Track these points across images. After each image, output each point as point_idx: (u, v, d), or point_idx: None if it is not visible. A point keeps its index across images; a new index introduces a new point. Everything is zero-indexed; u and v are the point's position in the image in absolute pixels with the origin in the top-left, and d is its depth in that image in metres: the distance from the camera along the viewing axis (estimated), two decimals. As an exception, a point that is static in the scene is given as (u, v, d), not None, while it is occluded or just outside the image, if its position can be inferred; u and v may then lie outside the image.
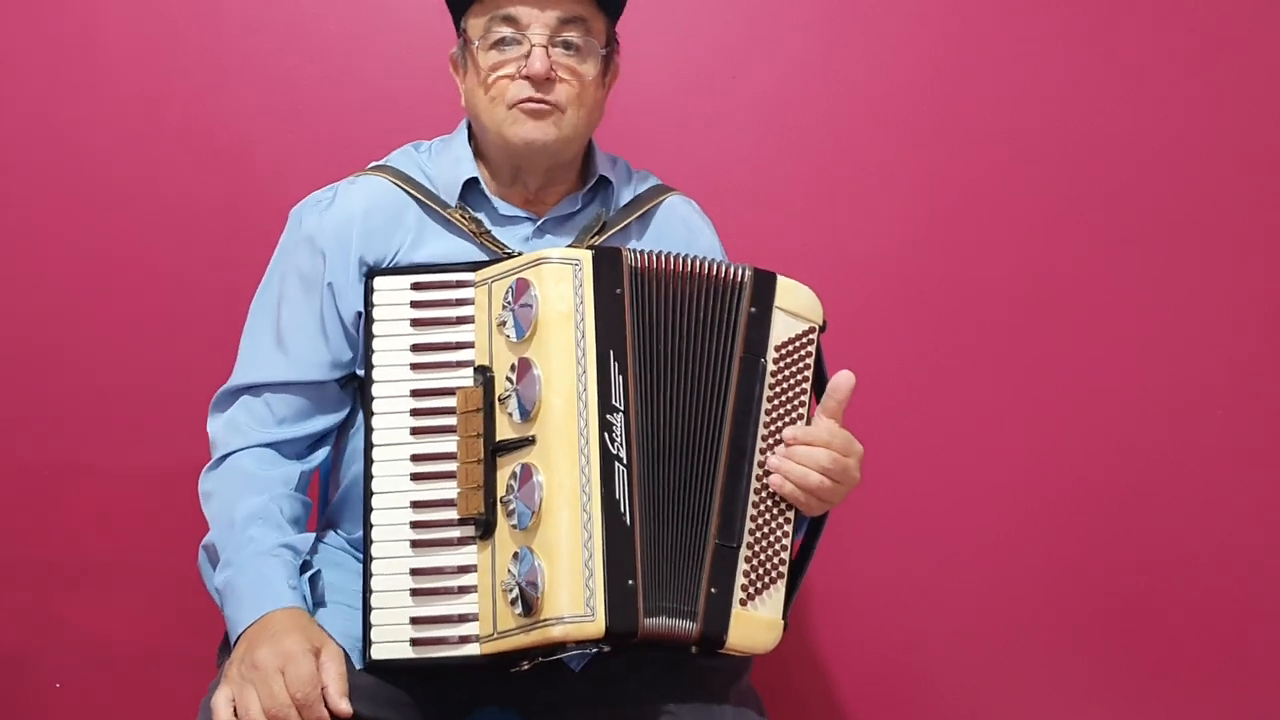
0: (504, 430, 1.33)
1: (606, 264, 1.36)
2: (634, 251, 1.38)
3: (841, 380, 1.39)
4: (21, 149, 1.94)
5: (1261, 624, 2.06)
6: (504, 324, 1.35)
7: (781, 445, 1.37)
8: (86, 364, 1.96)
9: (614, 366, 1.33)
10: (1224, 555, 2.05)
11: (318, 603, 1.39)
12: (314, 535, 1.48)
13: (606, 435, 1.30)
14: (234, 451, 1.46)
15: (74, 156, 1.95)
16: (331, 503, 1.55)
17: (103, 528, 1.96)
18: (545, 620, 1.25)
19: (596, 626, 1.25)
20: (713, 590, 1.31)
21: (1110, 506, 2.05)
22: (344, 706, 1.23)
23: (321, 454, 1.51)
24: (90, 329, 1.95)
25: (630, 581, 1.27)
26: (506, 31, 1.45)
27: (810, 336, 1.42)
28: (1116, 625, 2.05)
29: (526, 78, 1.44)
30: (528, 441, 1.31)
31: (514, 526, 1.29)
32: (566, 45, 1.46)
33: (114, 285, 1.95)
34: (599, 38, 1.49)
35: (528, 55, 1.43)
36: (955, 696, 2.06)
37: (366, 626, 1.31)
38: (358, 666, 1.32)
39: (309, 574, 1.39)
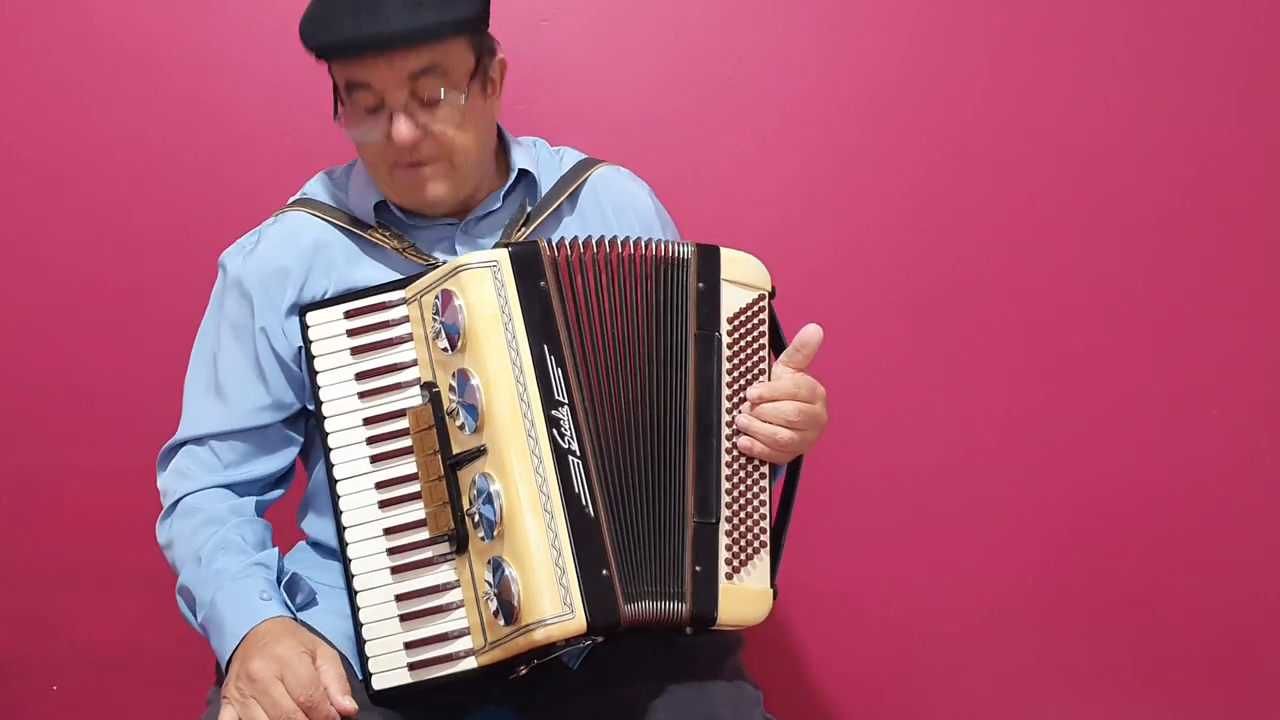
0: (458, 443, 1.32)
1: (525, 259, 1.33)
2: (551, 243, 1.35)
3: (810, 334, 1.36)
4: (19, 150, 1.94)
5: (1262, 624, 2.02)
6: (438, 336, 1.34)
7: (747, 405, 1.35)
8: (85, 365, 1.95)
9: (550, 360, 1.31)
10: (1224, 555, 2.02)
11: (306, 603, 1.40)
12: (278, 551, 1.45)
13: (555, 431, 1.29)
14: (185, 495, 1.46)
15: (71, 158, 1.94)
16: (309, 538, 1.56)
17: (100, 530, 1.96)
18: (527, 626, 1.25)
19: (577, 623, 1.24)
20: (698, 568, 1.31)
21: (1109, 506, 2.02)
22: (347, 704, 1.24)
23: (276, 494, 1.51)
24: (89, 329, 1.95)
25: (604, 571, 1.26)
26: (368, 102, 1.38)
27: (761, 304, 1.41)
28: (1116, 625, 2.02)
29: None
30: (480, 452, 1.30)
31: (482, 538, 1.29)
32: (428, 102, 1.37)
33: (113, 286, 1.95)
34: (460, 73, 1.38)
35: (391, 120, 1.37)
36: (955, 697, 2.04)
37: (363, 660, 1.32)
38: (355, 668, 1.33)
39: (286, 579, 1.38)
